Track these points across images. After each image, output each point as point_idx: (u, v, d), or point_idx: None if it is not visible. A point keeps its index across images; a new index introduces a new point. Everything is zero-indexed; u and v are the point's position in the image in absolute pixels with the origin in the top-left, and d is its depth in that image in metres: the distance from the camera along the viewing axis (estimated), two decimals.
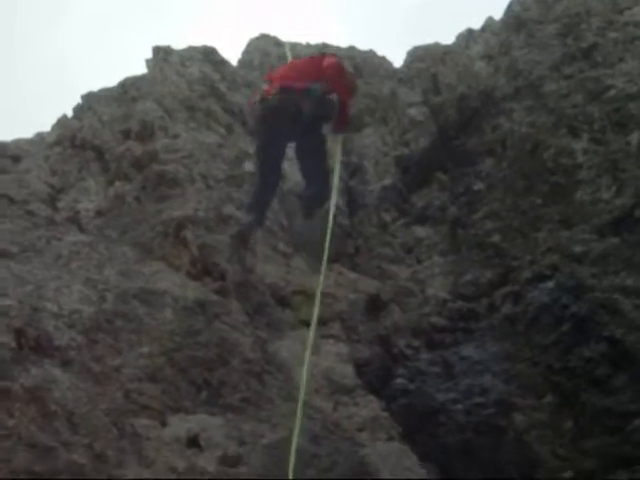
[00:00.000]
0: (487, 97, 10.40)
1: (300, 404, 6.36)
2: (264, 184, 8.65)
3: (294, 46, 12.22)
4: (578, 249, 8.35)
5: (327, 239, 8.10)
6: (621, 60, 9.67)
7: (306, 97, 8.28)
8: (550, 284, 8.20)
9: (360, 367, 8.01)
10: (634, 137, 8.81)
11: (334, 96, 8.60)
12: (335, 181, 8.71)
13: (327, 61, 8.44)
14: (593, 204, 8.64)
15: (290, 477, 5.80)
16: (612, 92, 9.38)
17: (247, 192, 9.17)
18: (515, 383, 7.77)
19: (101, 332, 6.72)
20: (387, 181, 10.16)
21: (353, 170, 10.52)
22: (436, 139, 10.55)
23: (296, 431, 6.07)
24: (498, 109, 10.15)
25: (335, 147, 8.92)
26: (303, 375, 6.82)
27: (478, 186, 9.68)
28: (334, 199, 8.69)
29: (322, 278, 7.96)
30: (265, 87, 8.74)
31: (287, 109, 8.10)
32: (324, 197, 8.64)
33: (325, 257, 8.10)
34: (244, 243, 8.13)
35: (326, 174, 8.63)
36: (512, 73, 10.34)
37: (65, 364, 6.20)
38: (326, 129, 8.79)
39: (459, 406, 7.79)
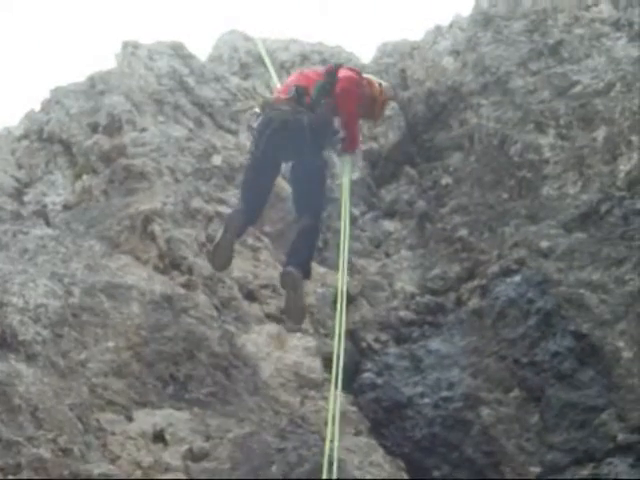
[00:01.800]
0: (455, 92, 10.43)
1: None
2: (252, 194, 7.37)
3: (264, 41, 12.17)
4: (545, 244, 8.40)
5: (343, 243, 7.07)
6: (587, 56, 9.75)
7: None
8: (517, 278, 8.24)
9: (328, 361, 7.99)
10: (600, 133, 8.88)
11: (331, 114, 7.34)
12: (345, 202, 7.32)
13: (340, 75, 7.22)
14: (559, 199, 8.70)
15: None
16: (578, 88, 9.45)
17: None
18: (482, 377, 7.80)
19: (67, 326, 6.69)
20: (356, 175, 10.14)
21: None
22: (405, 134, 10.57)
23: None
24: (466, 104, 10.20)
25: (344, 169, 7.64)
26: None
27: (446, 180, 9.71)
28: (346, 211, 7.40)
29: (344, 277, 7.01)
30: (276, 93, 7.61)
31: (297, 120, 6.96)
32: (314, 232, 7.15)
33: (343, 257, 7.08)
34: (232, 230, 6.96)
35: (321, 205, 7.30)
36: (479, 69, 10.38)
37: (30, 359, 6.17)
38: (334, 149, 7.61)
39: (427, 400, 7.81)
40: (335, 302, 8.56)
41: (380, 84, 7.36)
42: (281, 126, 6.81)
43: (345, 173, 7.53)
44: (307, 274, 6.86)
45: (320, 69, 7.60)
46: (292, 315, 6.76)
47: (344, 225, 7.11)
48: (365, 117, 7.72)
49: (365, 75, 7.42)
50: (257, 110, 7.15)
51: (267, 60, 9.10)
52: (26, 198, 8.49)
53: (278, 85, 7.81)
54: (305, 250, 6.91)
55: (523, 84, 9.83)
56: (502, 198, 9.07)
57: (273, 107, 7.02)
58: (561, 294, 7.92)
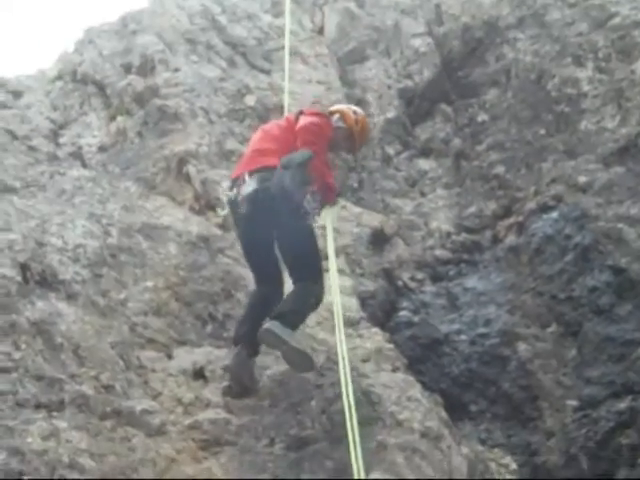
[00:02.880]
0: (491, 27, 10.28)
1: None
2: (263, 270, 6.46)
3: None
4: (582, 179, 8.33)
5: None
6: None
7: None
8: (554, 214, 8.19)
9: (364, 300, 8.02)
10: (639, 65, 8.72)
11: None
12: (330, 257, 6.46)
13: (297, 127, 6.38)
14: (598, 133, 8.60)
15: None
16: (617, 20, 9.28)
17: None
18: (519, 313, 7.79)
19: (106, 266, 6.74)
20: (390, 114, 10.08)
21: (356, 103, 10.41)
22: (440, 70, 10.45)
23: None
24: (502, 39, 10.06)
25: (327, 220, 6.70)
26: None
27: (482, 117, 9.63)
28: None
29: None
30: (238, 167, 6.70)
31: (264, 192, 6.13)
32: (311, 289, 6.22)
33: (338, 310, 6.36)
34: (239, 384, 6.06)
35: (317, 268, 6.27)
36: (516, 2, 10.23)
37: (70, 298, 6.24)
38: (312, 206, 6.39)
39: (463, 337, 7.83)
40: (371, 242, 8.66)
41: (355, 112, 6.86)
42: (250, 209, 6.07)
43: (328, 225, 6.62)
44: (291, 324, 5.99)
45: (281, 120, 6.80)
46: (295, 366, 6.01)
47: (334, 280, 6.23)
48: (345, 151, 7.45)
49: (335, 108, 6.93)
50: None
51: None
52: (61, 140, 8.53)
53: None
54: (289, 305, 6.06)
55: (560, 16, 9.67)
56: (539, 134, 8.99)
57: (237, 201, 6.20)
58: (599, 229, 7.87)
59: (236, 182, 6.32)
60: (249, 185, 6.17)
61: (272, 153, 6.29)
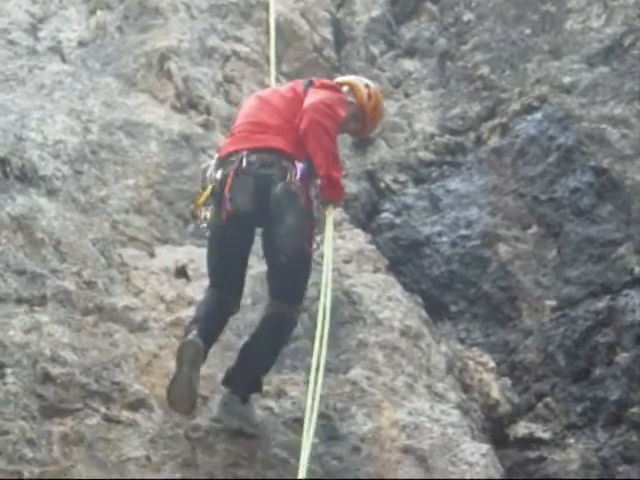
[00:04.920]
0: None
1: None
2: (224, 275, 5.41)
3: None
4: (567, 79, 8.28)
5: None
6: None
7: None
8: (538, 115, 8.15)
9: (347, 202, 8.00)
10: None
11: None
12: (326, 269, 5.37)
13: (306, 108, 5.27)
14: (583, 33, 8.52)
15: None
16: None
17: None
18: (500, 215, 7.81)
19: (86, 163, 6.70)
20: (375, 12, 9.88)
21: (340, 2, 10.24)
22: None
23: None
24: None
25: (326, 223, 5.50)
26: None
27: (468, 16, 9.46)
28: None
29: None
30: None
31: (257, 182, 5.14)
32: (283, 329, 5.35)
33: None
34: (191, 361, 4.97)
35: (301, 287, 5.41)
36: None
37: (51, 194, 6.21)
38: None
39: (445, 238, 7.85)
40: (353, 144, 8.60)
41: (367, 84, 5.80)
42: (243, 203, 5.08)
43: (328, 231, 5.41)
44: (253, 387, 5.27)
45: (285, 89, 5.66)
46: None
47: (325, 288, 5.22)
48: (352, 133, 6.11)
49: (343, 79, 5.92)
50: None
51: None
52: (41, 34, 8.33)
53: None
54: (255, 367, 5.25)
55: None
56: (525, 34, 8.87)
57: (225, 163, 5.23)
58: (582, 130, 7.85)
59: (227, 160, 5.25)
60: (247, 170, 5.13)
61: (274, 130, 5.26)
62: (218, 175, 5.23)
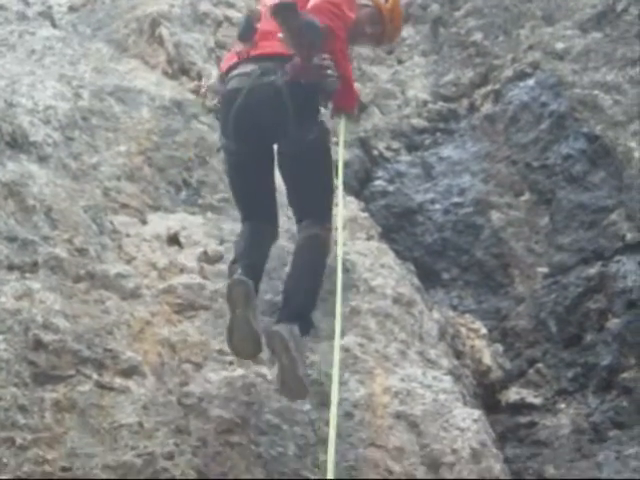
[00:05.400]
0: None
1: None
2: (253, 203, 5.30)
3: None
4: (560, 45, 8.25)
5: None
6: None
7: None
8: (531, 82, 8.12)
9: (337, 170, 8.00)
10: None
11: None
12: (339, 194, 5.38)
13: (310, 10, 4.97)
14: None
15: None
16: None
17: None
18: (493, 182, 7.81)
19: (77, 129, 6.65)
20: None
21: None
22: None
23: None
24: None
25: (339, 135, 5.52)
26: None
27: None
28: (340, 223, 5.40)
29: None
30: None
31: (268, 85, 4.89)
32: (319, 252, 5.17)
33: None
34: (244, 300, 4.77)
35: (326, 199, 5.20)
36: None
37: (42, 160, 6.17)
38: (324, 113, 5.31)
39: (437, 206, 7.86)
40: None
41: None
42: (248, 99, 4.87)
43: (341, 141, 5.35)
44: (306, 328, 5.00)
45: None
46: (286, 389, 4.87)
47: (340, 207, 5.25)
48: (371, 42, 5.71)
49: None
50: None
51: None
52: None
53: None
54: (301, 292, 5.01)
55: None
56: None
57: (229, 78, 5.05)
58: (575, 96, 7.82)
59: (230, 73, 5.06)
60: (247, 74, 4.94)
61: (276, 37, 4.99)
62: (221, 86, 5.11)
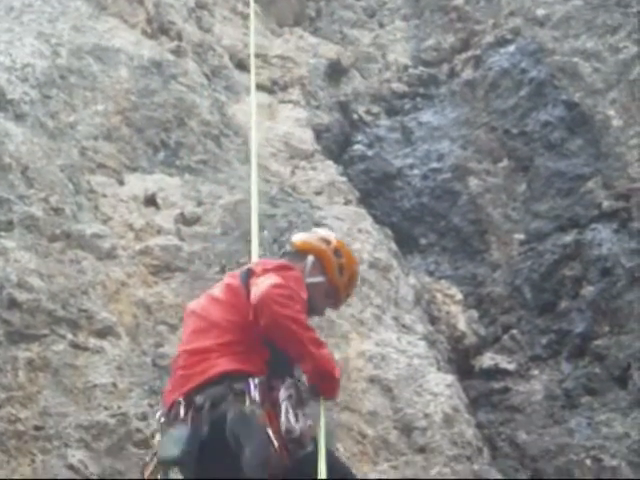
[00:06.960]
0: None
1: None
2: None
3: None
4: (541, 12, 8.22)
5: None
6: None
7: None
8: (511, 48, 8.10)
9: (319, 133, 7.98)
10: None
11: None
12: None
13: (257, 304, 3.83)
14: None
15: None
16: None
17: None
18: (472, 148, 7.82)
19: (55, 88, 6.58)
20: None
21: None
22: None
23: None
24: None
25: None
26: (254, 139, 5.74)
27: None
28: None
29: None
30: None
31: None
32: None
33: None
34: None
35: None
36: None
37: (19, 118, 6.11)
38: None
39: (416, 171, 7.86)
40: (327, 74, 8.54)
41: (327, 241, 4.22)
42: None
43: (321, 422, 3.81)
44: None
45: (219, 290, 4.11)
46: None
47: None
48: (320, 312, 4.34)
49: (300, 240, 4.29)
50: None
51: None
52: None
53: None
54: None
55: None
56: None
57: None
58: (555, 63, 7.81)
59: (170, 414, 3.86)
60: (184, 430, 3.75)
61: (213, 352, 3.91)
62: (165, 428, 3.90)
